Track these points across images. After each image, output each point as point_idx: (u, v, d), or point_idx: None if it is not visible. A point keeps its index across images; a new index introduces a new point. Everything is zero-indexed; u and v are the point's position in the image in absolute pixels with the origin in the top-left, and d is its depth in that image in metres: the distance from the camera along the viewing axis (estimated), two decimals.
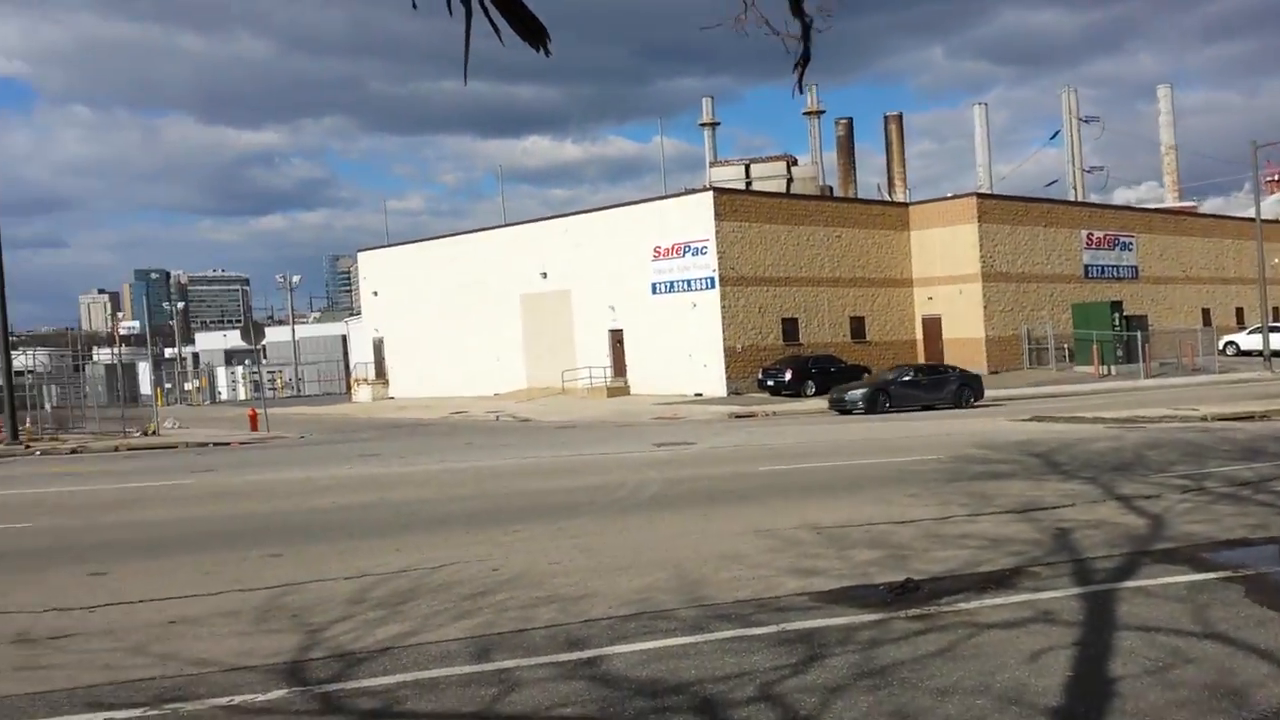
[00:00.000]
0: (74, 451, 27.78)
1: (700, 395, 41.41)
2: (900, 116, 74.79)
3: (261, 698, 5.79)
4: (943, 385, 33.33)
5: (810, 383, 40.15)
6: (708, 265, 42.53)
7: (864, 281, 47.75)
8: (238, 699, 5.76)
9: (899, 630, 6.69)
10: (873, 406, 31.13)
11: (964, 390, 33.25)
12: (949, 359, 48.78)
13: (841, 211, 48.97)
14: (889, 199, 64.28)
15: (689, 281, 43.22)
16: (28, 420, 33.77)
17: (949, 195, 52.88)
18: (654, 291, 44.38)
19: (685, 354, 42.82)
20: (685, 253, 43.27)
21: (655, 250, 44.19)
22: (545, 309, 48.64)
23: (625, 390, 44.68)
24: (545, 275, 48.35)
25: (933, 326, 49.49)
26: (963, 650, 6.21)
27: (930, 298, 49.33)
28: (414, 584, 8.66)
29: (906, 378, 33.52)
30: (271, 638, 7.13)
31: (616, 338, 46.12)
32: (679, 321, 43.22)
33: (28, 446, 28.77)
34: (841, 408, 31.66)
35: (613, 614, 7.37)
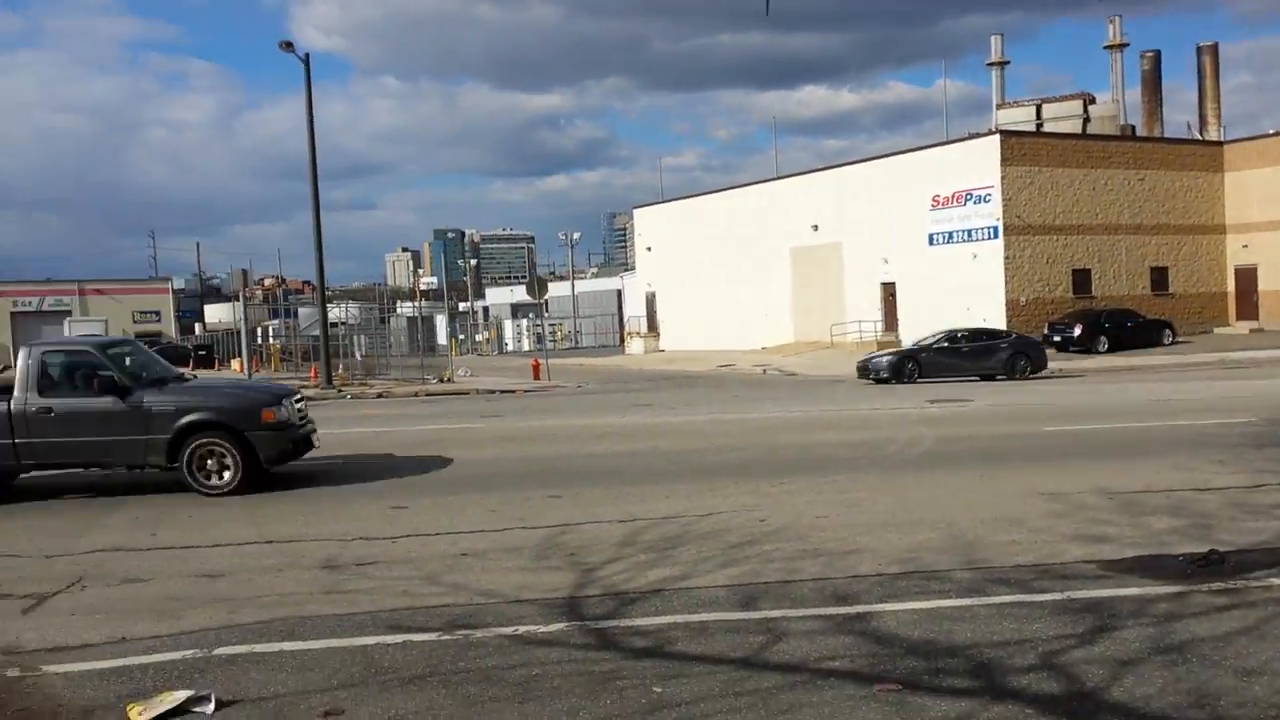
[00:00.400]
0: (379, 396, 30.30)
1: None
2: (1215, 47, 67.46)
3: (542, 629, 6.10)
4: (990, 353, 29.33)
5: (1103, 338, 37.48)
6: (991, 213, 40.45)
7: (1168, 228, 43.87)
8: (521, 629, 6.10)
9: (1200, 604, 6.15)
10: (899, 375, 28.12)
11: (1018, 359, 29.13)
12: (1264, 313, 44.21)
13: (1145, 152, 45.06)
14: (1200, 138, 58.46)
15: (970, 231, 41.31)
16: (340, 367, 37.15)
17: (1271, 132, 47.47)
18: (931, 242, 42.76)
19: (963, 307, 41.04)
20: (967, 201, 41.34)
21: (934, 199, 42.50)
22: (815, 262, 48.03)
23: (897, 344, 43.46)
24: (816, 228, 47.69)
25: (1247, 278, 44.87)
26: (1273, 629, 5.64)
27: (1245, 245, 44.67)
28: (682, 530, 8.85)
29: (943, 344, 29.96)
30: (550, 574, 7.50)
31: (889, 291, 44.90)
32: (957, 273, 41.45)
33: (340, 390, 31.66)
34: (866, 375, 29.06)
35: (882, 571, 7.22)
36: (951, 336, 30.70)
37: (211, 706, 4.98)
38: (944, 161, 42.62)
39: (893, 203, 43.88)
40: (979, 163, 40.99)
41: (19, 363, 11.82)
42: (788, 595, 6.67)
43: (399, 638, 6.00)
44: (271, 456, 11.91)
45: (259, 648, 5.90)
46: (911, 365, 28.61)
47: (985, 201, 40.63)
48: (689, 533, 8.73)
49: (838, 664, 5.34)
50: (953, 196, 41.84)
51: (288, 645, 5.93)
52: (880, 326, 44.55)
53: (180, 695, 5.05)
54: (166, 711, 4.92)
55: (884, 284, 44.97)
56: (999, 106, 62.19)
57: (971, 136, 45.21)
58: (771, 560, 7.64)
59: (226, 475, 11.59)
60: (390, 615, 6.51)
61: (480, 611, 6.54)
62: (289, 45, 31.30)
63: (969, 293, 40.91)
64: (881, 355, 29.96)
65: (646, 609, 6.48)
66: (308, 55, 31.54)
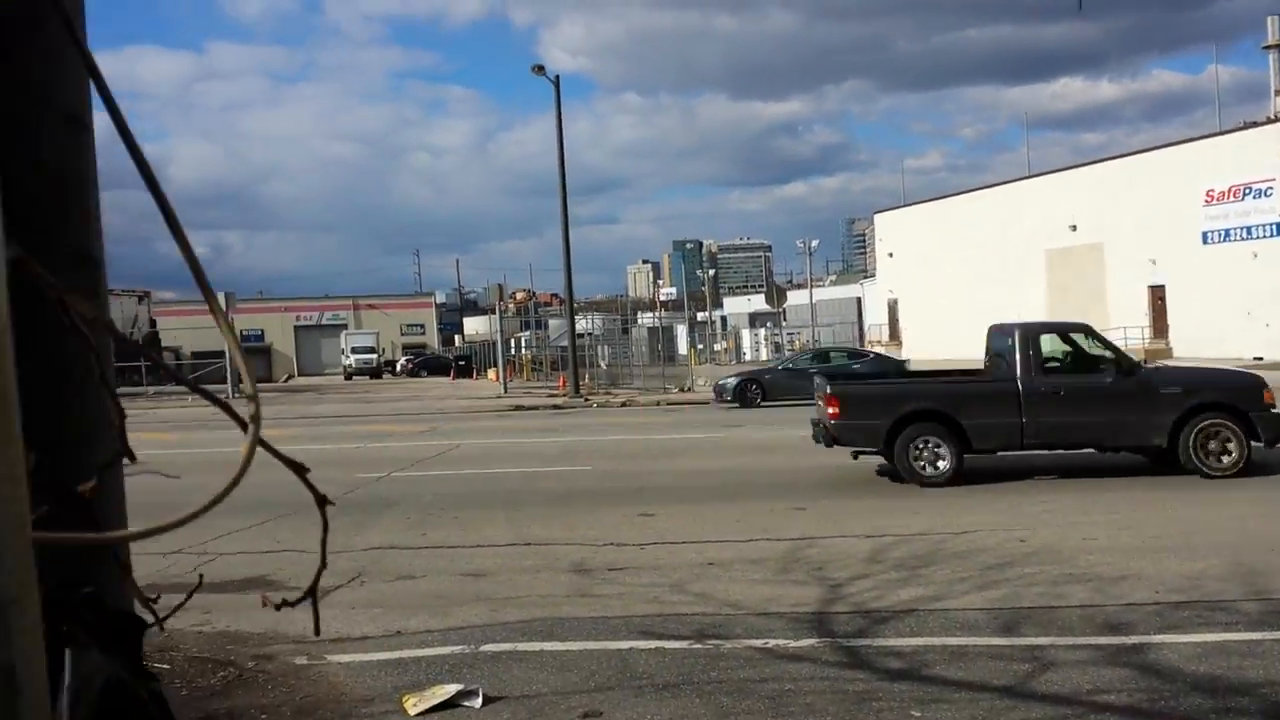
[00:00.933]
0: (623, 405, 31.05)
1: (1260, 359, 36.23)
2: None
3: (792, 644, 6.05)
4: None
5: None
6: (1273, 209, 36.94)
7: None
8: (771, 643, 6.08)
9: None
10: (741, 399, 26.30)
11: None
12: None
13: None
14: None
15: (1249, 229, 37.88)
16: (586, 376, 38.36)
17: None
18: (1205, 241, 39.52)
19: (1242, 311, 37.69)
20: (1245, 195, 37.95)
21: (1207, 194, 39.27)
22: (1072, 264, 45.41)
23: (1166, 352, 40.38)
24: (1074, 228, 45.10)
25: None
26: None
27: None
28: (933, 548, 8.56)
29: (788, 366, 28.31)
30: (795, 588, 7.44)
31: (1157, 294, 41.81)
32: (1235, 275, 38.08)
33: (586, 399, 32.70)
34: (720, 398, 27.18)
35: (1158, 600, 6.72)
36: (798, 358, 30.05)
37: (479, 701, 5.23)
38: (1218, 153, 39.32)
39: (1160, 199, 40.87)
40: (1258, 154, 37.55)
41: (1017, 343, 12.16)
42: (1053, 622, 6.32)
43: (652, 644, 6.11)
44: (1271, 438, 11.66)
45: (521, 646, 6.16)
46: (755, 388, 27.19)
47: (1266, 196, 37.16)
48: (940, 551, 8.43)
49: (1113, 698, 5.01)
50: (1229, 191, 38.53)
51: (547, 645, 6.17)
52: (1148, 332, 41.58)
53: (450, 689, 5.34)
54: (437, 704, 5.22)
55: (1151, 287, 41.95)
56: (1278, 92, 56.73)
57: (1248, 126, 41.51)
58: (1033, 584, 7.26)
59: (1230, 456, 11.54)
60: (641, 621, 6.65)
61: (728, 622, 6.57)
62: (541, 69, 32.65)
63: (1250, 295, 37.54)
64: (729, 378, 28.72)
65: (899, 629, 6.30)
66: (558, 77, 32.74)
